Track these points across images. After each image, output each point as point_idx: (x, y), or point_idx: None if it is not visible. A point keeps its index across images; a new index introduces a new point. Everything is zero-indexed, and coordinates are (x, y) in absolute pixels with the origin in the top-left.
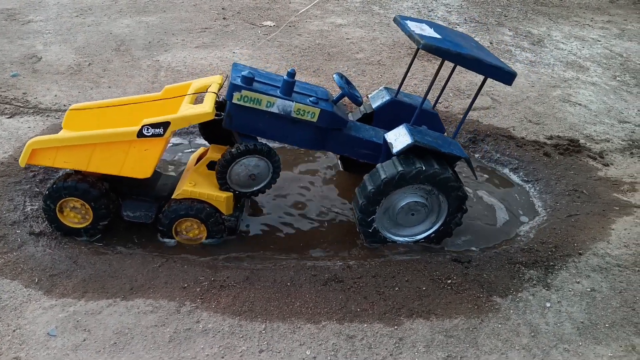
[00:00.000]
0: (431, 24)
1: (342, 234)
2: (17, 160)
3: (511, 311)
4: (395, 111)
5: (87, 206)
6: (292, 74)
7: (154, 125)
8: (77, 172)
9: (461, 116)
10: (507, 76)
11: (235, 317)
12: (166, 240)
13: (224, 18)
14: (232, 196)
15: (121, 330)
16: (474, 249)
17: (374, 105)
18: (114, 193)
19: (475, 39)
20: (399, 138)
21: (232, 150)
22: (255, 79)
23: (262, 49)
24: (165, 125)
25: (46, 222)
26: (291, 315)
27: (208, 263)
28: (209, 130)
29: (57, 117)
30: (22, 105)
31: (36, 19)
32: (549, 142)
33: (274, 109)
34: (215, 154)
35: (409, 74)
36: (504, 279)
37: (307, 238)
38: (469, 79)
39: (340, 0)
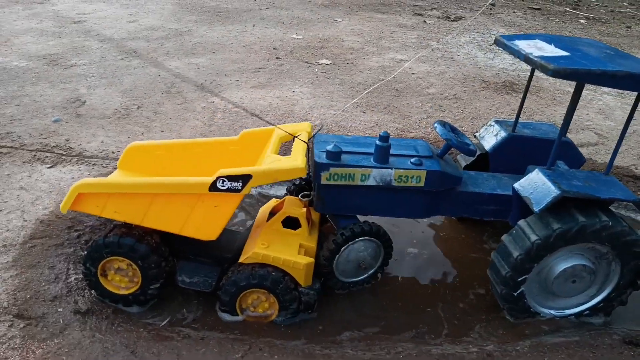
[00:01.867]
0: (545, 37)
1: (465, 309)
2: (59, 218)
3: None
4: (515, 148)
5: (134, 266)
6: (385, 138)
7: (231, 178)
8: (123, 225)
9: None
10: None
11: None
12: (227, 317)
13: (277, 58)
14: (312, 263)
15: None
16: None
17: (488, 147)
18: (166, 248)
19: None
20: (537, 189)
21: (336, 238)
22: (343, 150)
23: (323, 87)
24: (245, 178)
25: (94, 297)
26: None
27: (302, 350)
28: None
29: (104, 165)
30: (64, 153)
31: (79, 62)
32: None
33: (371, 182)
34: (293, 208)
35: (492, 107)
36: None
37: (422, 314)
38: (561, 112)
39: (395, 37)
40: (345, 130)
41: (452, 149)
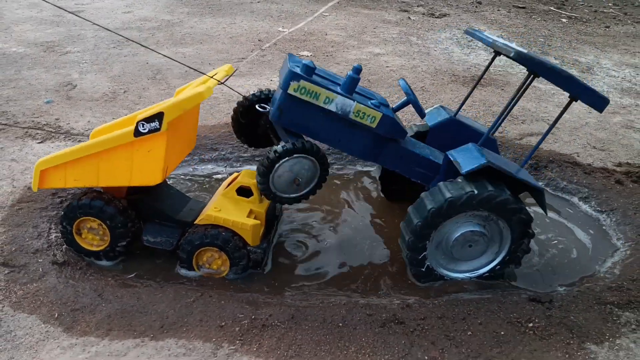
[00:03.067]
0: (506, 39)
1: (396, 268)
2: None
3: None
4: (453, 132)
5: (104, 226)
6: (358, 70)
7: (148, 120)
8: (92, 190)
9: (517, 142)
10: (599, 101)
11: None
12: (185, 272)
13: (260, 49)
14: (259, 225)
15: None
16: (558, 288)
17: (431, 123)
18: (133, 212)
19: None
20: (468, 157)
21: (277, 148)
22: (316, 72)
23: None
24: (159, 116)
25: (71, 252)
26: None
27: (247, 298)
28: (248, 131)
29: None
30: (53, 130)
31: (74, 50)
32: (618, 169)
33: (332, 107)
34: (247, 179)
35: (456, 99)
36: (596, 323)
37: (357, 271)
38: (521, 104)
39: (377, 32)
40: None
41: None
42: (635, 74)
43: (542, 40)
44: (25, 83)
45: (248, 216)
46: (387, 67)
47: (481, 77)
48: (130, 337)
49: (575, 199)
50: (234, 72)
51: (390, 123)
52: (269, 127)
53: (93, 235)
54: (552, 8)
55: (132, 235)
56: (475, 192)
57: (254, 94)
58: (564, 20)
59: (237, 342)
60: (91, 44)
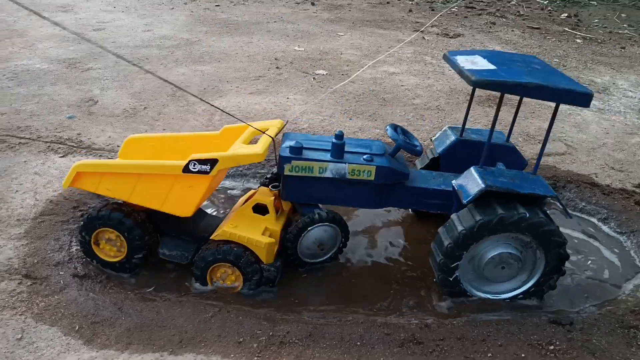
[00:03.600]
0: (485, 53)
1: (413, 288)
2: (66, 199)
3: None
4: (464, 152)
5: (122, 237)
6: (339, 136)
7: (201, 162)
8: (114, 202)
9: (534, 161)
10: (582, 97)
11: None
12: (198, 286)
13: (277, 67)
14: (274, 243)
15: None
16: (575, 309)
17: (439, 150)
18: (151, 225)
19: None
20: (468, 184)
21: (297, 223)
22: (304, 146)
23: (316, 95)
24: (212, 162)
25: (91, 265)
26: None
27: (265, 315)
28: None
29: (110, 157)
30: (75, 145)
31: (95, 67)
32: (638, 190)
33: (328, 174)
34: (263, 196)
35: (470, 119)
36: (619, 347)
37: (375, 291)
38: (537, 124)
39: (392, 51)
40: (330, 134)
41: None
42: None
43: (557, 60)
44: (48, 98)
45: (263, 234)
46: (402, 86)
47: (471, 98)
48: (149, 351)
49: (594, 220)
50: (284, 126)
51: (387, 172)
52: None
53: (111, 247)
54: (566, 29)
55: (149, 248)
56: (484, 219)
57: (266, 177)
58: (578, 41)
59: (255, 358)
60: (112, 61)
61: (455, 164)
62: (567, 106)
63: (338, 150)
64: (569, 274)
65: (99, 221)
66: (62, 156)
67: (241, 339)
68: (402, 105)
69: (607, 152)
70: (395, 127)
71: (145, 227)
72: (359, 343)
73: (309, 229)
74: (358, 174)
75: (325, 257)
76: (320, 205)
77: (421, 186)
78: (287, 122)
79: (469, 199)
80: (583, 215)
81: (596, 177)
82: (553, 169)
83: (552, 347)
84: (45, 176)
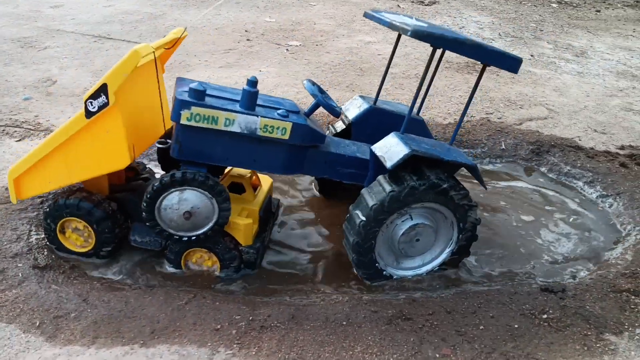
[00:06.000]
0: (410, 17)
1: None
2: None
3: (632, 352)
4: (377, 121)
5: (90, 229)
6: (253, 82)
7: (93, 96)
8: (81, 189)
9: (517, 127)
10: (513, 63)
11: None
12: (172, 269)
13: (247, 40)
14: (251, 224)
15: None
16: (566, 274)
17: (351, 117)
18: (122, 217)
19: (514, 52)
20: (391, 149)
21: (156, 183)
22: (207, 92)
23: (290, 67)
24: (103, 89)
25: (54, 255)
26: None
27: (244, 299)
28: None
29: None
30: (32, 128)
31: (53, 45)
32: (622, 152)
33: (235, 128)
34: (238, 174)
35: (450, 85)
36: (613, 312)
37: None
38: (517, 89)
39: (367, 20)
40: (305, 106)
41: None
42: (629, 57)
43: (533, 25)
44: (1, 80)
45: (240, 214)
46: (379, 55)
47: (390, 60)
48: (118, 345)
49: (580, 183)
50: (184, 32)
51: (303, 131)
52: None
53: (77, 236)
54: None
55: (119, 240)
56: (395, 190)
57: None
58: (554, 5)
59: (235, 345)
60: (71, 39)
61: (366, 134)
62: (547, 70)
63: (250, 99)
64: (556, 241)
65: (67, 210)
66: (19, 140)
67: (219, 326)
68: (379, 74)
69: (589, 115)
70: (313, 83)
71: (116, 219)
72: (344, 323)
73: (167, 191)
74: (271, 130)
75: (198, 232)
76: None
77: (337, 152)
78: (185, 29)
79: (393, 163)
80: (568, 180)
81: (580, 140)
82: (536, 134)
83: (545, 316)
84: (0, 162)
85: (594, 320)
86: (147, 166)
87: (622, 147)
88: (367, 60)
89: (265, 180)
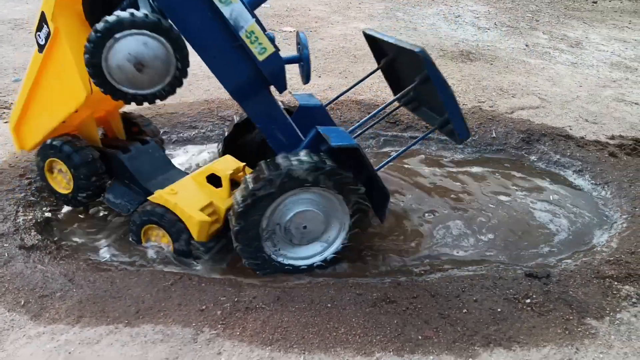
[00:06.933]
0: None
1: (385, 248)
2: (11, 167)
3: (612, 337)
4: (315, 120)
5: (70, 172)
6: None
7: (39, 28)
8: (73, 135)
9: (508, 116)
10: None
11: (266, 348)
12: (132, 240)
13: None
14: (208, 222)
15: None
16: (551, 261)
17: (302, 102)
18: (103, 167)
19: (508, 42)
20: (338, 136)
21: (100, 25)
22: None
23: (283, 53)
24: (42, 18)
25: (40, 236)
26: (335, 345)
27: (230, 281)
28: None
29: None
30: None
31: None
32: (611, 142)
33: (226, 11)
34: (221, 166)
35: (457, 76)
36: (596, 297)
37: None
38: (510, 78)
39: (362, 7)
40: (295, 90)
41: None
42: (624, 48)
43: (529, 15)
44: None
45: (203, 209)
46: None
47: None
48: (103, 324)
49: (569, 172)
50: None
51: (279, 64)
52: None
53: (62, 178)
54: None
55: (95, 189)
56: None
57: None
58: None
59: (219, 326)
60: None
61: (302, 125)
62: (541, 60)
63: (257, 1)
64: (544, 227)
65: (51, 150)
66: (7, 121)
67: (204, 307)
68: (373, 61)
69: (581, 105)
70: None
71: (94, 167)
72: (329, 305)
73: (116, 35)
74: (253, 41)
75: (149, 91)
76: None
77: (283, 114)
78: None
79: (338, 144)
80: (557, 169)
81: (570, 129)
82: (527, 123)
83: (528, 301)
84: None
85: (576, 306)
86: (152, 123)
87: (613, 137)
88: (361, 47)
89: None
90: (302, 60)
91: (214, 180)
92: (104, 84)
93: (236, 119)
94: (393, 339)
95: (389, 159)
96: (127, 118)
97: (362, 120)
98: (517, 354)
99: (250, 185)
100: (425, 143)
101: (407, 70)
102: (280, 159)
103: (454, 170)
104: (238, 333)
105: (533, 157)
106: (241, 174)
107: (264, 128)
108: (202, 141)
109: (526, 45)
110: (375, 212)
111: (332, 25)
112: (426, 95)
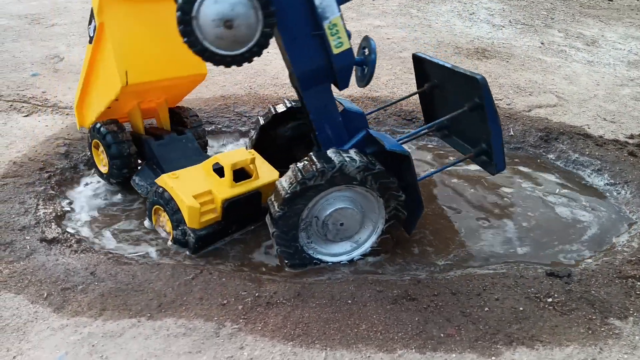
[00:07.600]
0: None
1: (405, 246)
2: (31, 160)
3: (637, 337)
4: (353, 125)
5: (105, 152)
6: None
7: (89, 22)
8: (115, 121)
9: (526, 114)
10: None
11: (288, 343)
12: (148, 223)
13: None
14: (198, 209)
15: (146, 358)
16: (571, 261)
17: (347, 105)
18: (133, 148)
19: (524, 39)
20: (391, 141)
21: None
22: None
23: None
24: (91, 13)
25: (60, 228)
26: (357, 341)
27: (250, 275)
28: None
29: None
30: (40, 104)
31: (60, 22)
32: (631, 141)
33: (317, 0)
34: (228, 158)
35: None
36: (619, 297)
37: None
38: (527, 76)
39: (376, 4)
40: None
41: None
42: None
43: (544, 13)
44: (9, 55)
45: (200, 196)
46: (389, 39)
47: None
48: (125, 317)
49: (588, 172)
50: None
51: (350, 61)
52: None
53: (103, 157)
54: None
55: (125, 180)
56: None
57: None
58: None
59: (241, 320)
60: (78, 16)
61: None
62: (557, 58)
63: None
64: (565, 226)
65: (97, 134)
66: (26, 115)
67: (225, 301)
68: (388, 58)
69: (599, 104)
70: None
71: (127, 161)
72: (350, 301)
73: None
74: (334, 33)
75: (243, 50)
76: None
77: (337, 111)
78: None
79: (393, 148)
80: (576, 168)
81: (589, 128)
82: (545, 121)
83: (550, 300)
84: (7, 137)
85: (599, 305)
86: (202, 124)
87: (632, 136)
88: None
89: (268, 174)
90: (368, 64)
91: (220, 171)
92: (195, 43)
93: (261, 120)
94: (415, 336)
95: (427, 172)
96: (179, 114)
97: (413, 132)
98: (540, 353)
99: (301, 174)
100: (441, 141)
101: (453, 97)
102: (331, 154)
103: (471, 168)
104: (260, 328)
105: (551, 156)
106: (251, 166)
107: (317, 120)
108: (219, 135)
109: (542, 43)
110: (404, 222)
111: (346, 22)
112: (462, 124)
